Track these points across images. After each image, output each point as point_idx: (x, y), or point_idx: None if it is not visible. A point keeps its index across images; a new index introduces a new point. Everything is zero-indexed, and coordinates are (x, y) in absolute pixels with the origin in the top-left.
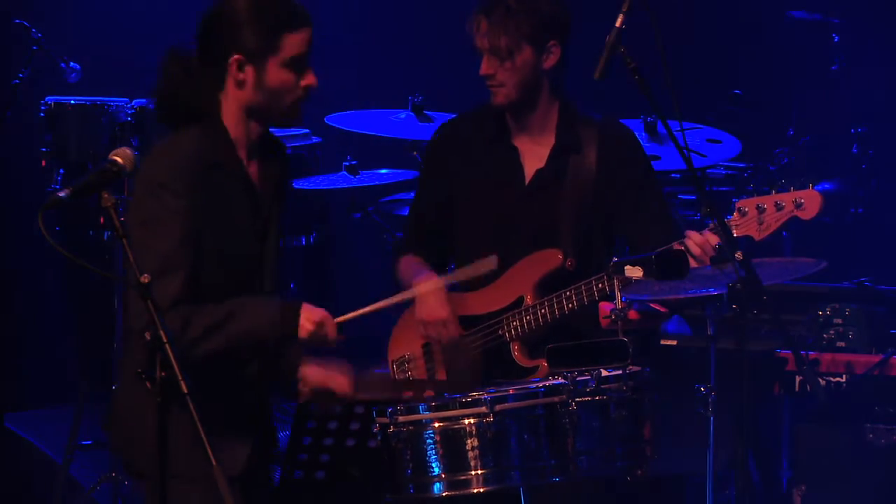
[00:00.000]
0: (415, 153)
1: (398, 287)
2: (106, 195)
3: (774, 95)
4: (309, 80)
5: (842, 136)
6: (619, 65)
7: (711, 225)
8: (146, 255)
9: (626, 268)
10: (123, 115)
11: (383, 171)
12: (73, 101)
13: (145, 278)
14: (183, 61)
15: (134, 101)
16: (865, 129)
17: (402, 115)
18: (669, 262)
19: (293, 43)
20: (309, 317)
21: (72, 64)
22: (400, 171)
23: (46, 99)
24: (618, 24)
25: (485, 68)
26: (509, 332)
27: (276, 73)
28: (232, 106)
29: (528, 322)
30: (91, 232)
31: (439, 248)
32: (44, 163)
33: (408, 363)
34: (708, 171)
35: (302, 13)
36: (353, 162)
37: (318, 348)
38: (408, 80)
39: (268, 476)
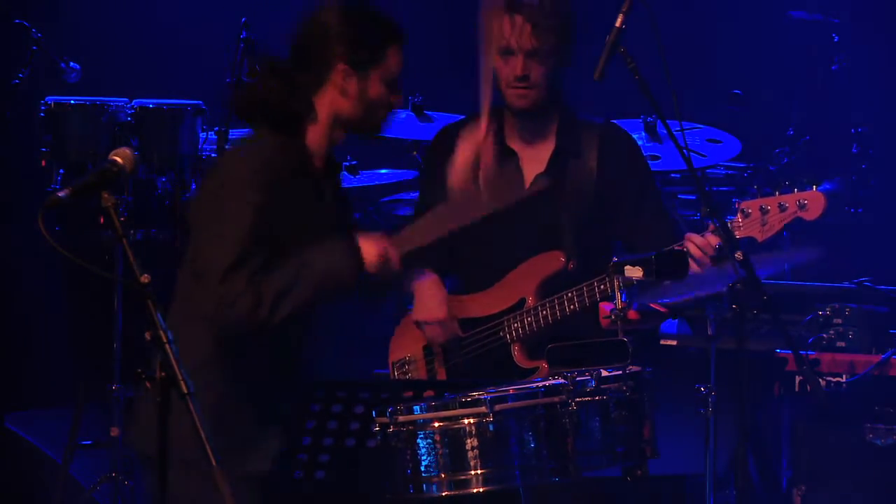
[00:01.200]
0: (415, 153)
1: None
2: (106, 195)
3: (774, 95)
4: (397, 97)
5: (842, 136)
6: (619, 65)
7: (711, 226)
8: (223, 247)
9: (626, 268)
10: (123, 115)
11: (383, 171)
12: (73, 101)
13: (145, 278)
14: (276, 66)
15: (134, 101)
16: (865, 129)
17: (402, 115)
18: (669, 263)
19: (395, 57)
20: (371, 250)
21: (72, 64)
22: (400, 171)
23: (46, 99)
24: (618, 24)
25: (521, 69)
26: (510, 333)
27: (376, 86)
28: (325, 113)
29: (529, 324)
30: (91, 232)
31: (441, 250)
32: (44, 163)
33: (408, 364)
34: (708, 171)
35: (400, 29)
36: (353, 162)
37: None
38: (408, 80)
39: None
